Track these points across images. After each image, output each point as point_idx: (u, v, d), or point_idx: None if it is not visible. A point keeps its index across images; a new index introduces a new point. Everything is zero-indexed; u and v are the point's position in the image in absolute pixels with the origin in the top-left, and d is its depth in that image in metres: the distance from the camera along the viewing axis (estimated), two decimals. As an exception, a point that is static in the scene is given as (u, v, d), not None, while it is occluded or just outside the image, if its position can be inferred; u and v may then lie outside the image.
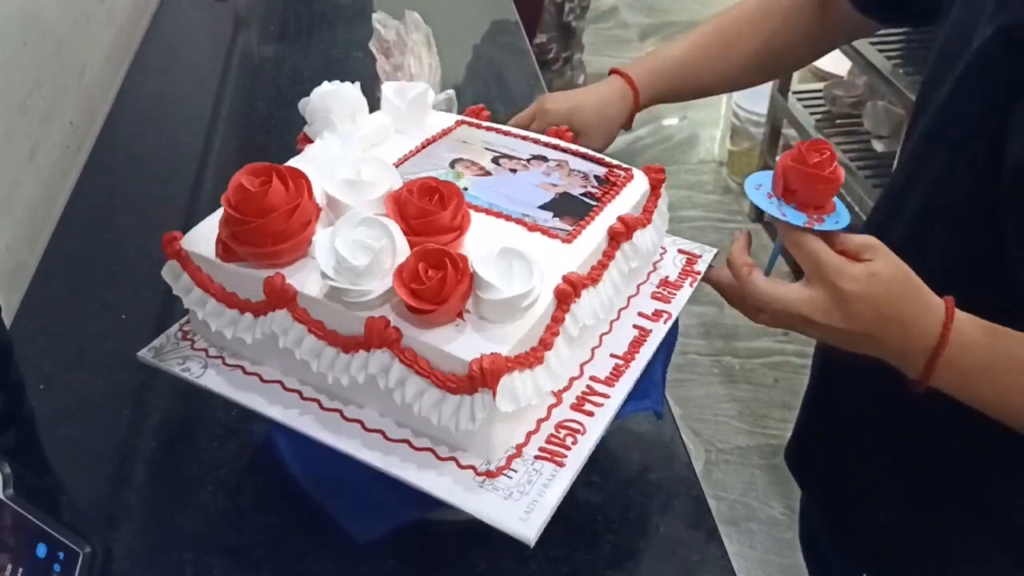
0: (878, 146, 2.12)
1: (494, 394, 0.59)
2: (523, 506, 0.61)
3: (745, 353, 2.22)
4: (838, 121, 2.26)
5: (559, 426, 0.66)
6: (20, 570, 0.57)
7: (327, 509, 0.69)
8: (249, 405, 0.69)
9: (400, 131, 0.81)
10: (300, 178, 0.67)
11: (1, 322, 0.70)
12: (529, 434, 0.66)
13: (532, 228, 0.71)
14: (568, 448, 0.64)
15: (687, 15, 3.69)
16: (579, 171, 0.78)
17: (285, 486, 0.71)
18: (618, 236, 0.71)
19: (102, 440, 0.85)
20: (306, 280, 0.66)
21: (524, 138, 0.82)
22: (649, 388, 0.72)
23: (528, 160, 0.79)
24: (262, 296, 0.67)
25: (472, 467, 0.63)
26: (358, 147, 0.76)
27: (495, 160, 0.79)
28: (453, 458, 0.64)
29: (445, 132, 0.82)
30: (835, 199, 0.69)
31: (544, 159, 0.79)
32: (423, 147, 0.81)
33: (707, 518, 0.77)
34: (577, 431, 0.66)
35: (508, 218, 0.72)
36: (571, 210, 0.73)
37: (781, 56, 0.98)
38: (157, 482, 0.81)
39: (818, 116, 2.28)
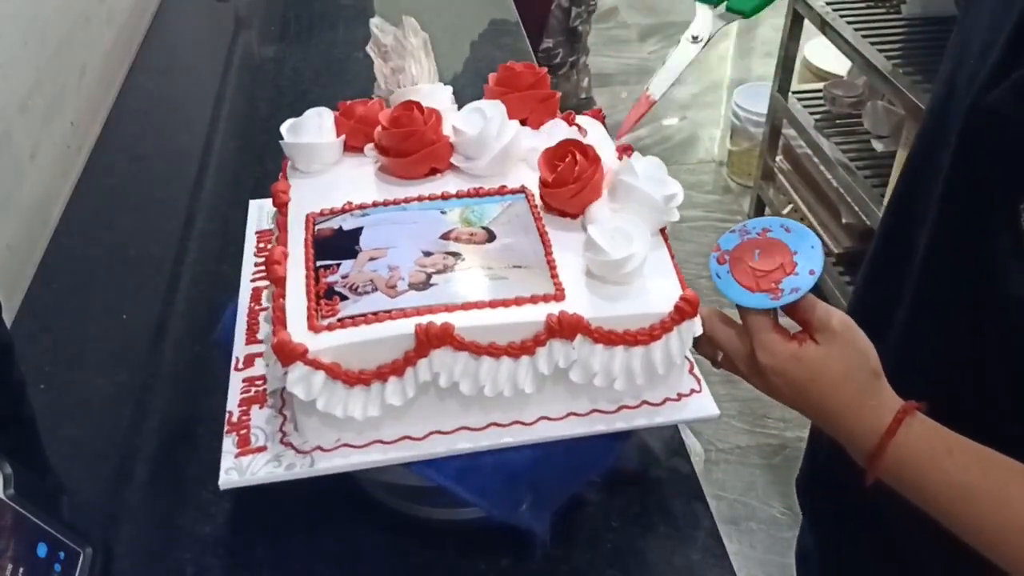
0: (878, 146, 2.12)
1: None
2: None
3: (745, 353, 2.22)
4: (838, 121, 2.25)
5: None
6: (21, 570, 0.57)
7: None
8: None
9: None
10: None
11: (1, 322, 0.70)
12: None
13: None
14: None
15: (687, 15, 3.67)
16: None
17: (285, 486, 0.71)
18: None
19: (102, 440, 0.85)
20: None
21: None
22: None
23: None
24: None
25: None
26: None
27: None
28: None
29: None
30: (798, 252, 0.64)
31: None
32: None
33: (707, 518, 0.77)
34: None
35: None
36: None
37: None
38: (157, 482, 0.81)
39: (818, 116, 2.28)
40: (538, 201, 0.75)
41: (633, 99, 0.76)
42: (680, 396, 0.71)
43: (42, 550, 0.60)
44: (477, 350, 0.64)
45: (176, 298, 1.02)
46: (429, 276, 0.67)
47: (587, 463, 0.71)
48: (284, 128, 0.81)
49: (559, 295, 0.66)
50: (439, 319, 0.63)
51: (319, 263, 0.70)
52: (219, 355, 0.77)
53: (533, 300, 0.65)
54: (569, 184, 0.71)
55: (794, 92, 2.39)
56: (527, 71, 0.84)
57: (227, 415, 0.71)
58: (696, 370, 0.73)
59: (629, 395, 0.69)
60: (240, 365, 0.75)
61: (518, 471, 0.68)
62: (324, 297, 0.67)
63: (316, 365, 0.63)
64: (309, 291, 0.67)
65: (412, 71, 0.89)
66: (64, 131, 1.24)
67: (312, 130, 0.81)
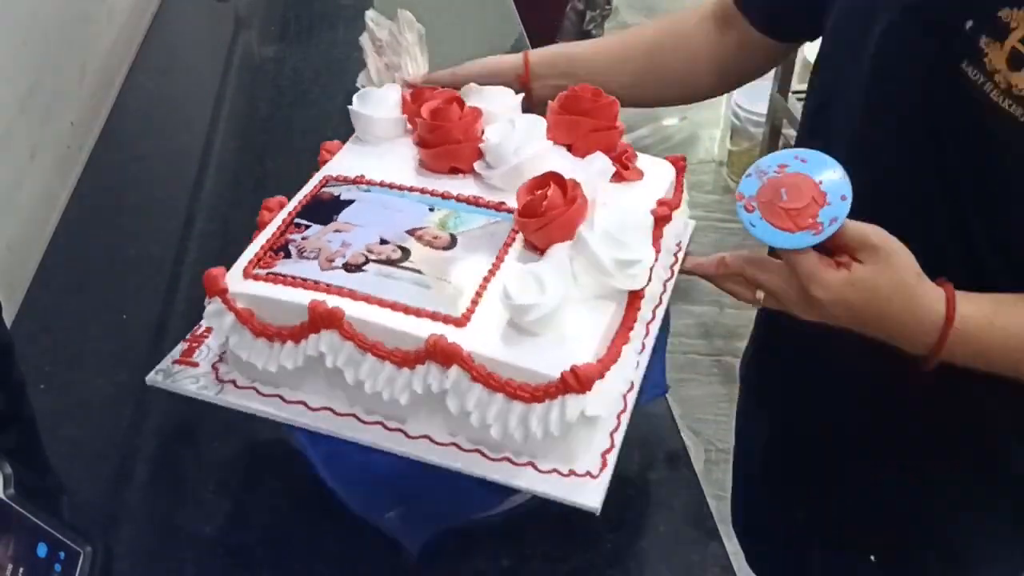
0: (878, 146, 2.12)
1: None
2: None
3: (745, 353, 2.22)
4: (838, 121, 2.26)
5: None
6: (21, 570, 0.57)
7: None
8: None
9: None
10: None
11: (1, 322, 0.70)
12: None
13: None
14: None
15: (687, 15, 3.68)
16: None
17: (285, 486, 0.71)
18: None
19: (102, 440, 0.85)
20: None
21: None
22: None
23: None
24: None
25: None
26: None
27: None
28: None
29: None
30: (822, 181, 0.62)
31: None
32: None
33: (707, 518, 0.77)
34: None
35: None
36: None
37: (686, 77, 0.96)
38: (157, 482, 0.81)
39: (818, 116, 2.28)
40: None
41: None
42: (571, 473, 0.65)
43: (42, 550, 0.60)
44: (362, 345, 0.64)
45: (176, 298, 1.02)
46: (366, 262, 0.68)
47: (465, 501, 0.69)
48: (356, 95, 0.85)
49: (462, 321, 0.64)
50: (337, 302, 0.64)
51: (297, 220, 0.73)
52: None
53: (433, 317, 0.64)
54: (535, 216, 0.68)
55: (794, 92, 2.39)
56: (593, 97, 0.80)
57: (196, 326, 0.76)
58: (610, 456, 0.66)
59: (510, 448, 0.66)
60: None
61: (386, 478, 0.68)
62: (275, 251, 0.70)
63: (229, 306, 0.67)
64: (269, 241, 0.71)
65: (408, 67, 0.90)
66: (64, 131, 1.24)
67: (375, 103, 0.83)
